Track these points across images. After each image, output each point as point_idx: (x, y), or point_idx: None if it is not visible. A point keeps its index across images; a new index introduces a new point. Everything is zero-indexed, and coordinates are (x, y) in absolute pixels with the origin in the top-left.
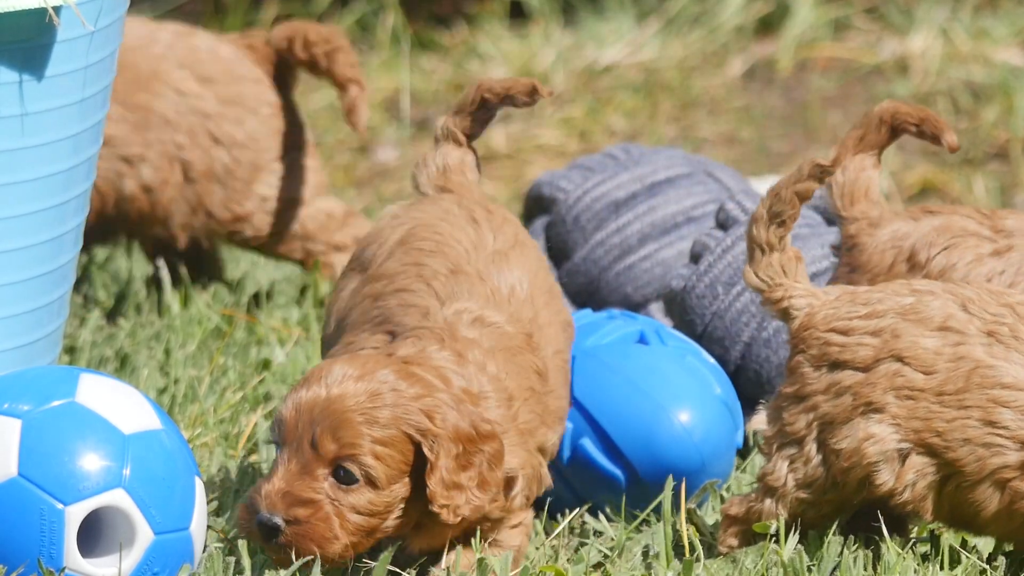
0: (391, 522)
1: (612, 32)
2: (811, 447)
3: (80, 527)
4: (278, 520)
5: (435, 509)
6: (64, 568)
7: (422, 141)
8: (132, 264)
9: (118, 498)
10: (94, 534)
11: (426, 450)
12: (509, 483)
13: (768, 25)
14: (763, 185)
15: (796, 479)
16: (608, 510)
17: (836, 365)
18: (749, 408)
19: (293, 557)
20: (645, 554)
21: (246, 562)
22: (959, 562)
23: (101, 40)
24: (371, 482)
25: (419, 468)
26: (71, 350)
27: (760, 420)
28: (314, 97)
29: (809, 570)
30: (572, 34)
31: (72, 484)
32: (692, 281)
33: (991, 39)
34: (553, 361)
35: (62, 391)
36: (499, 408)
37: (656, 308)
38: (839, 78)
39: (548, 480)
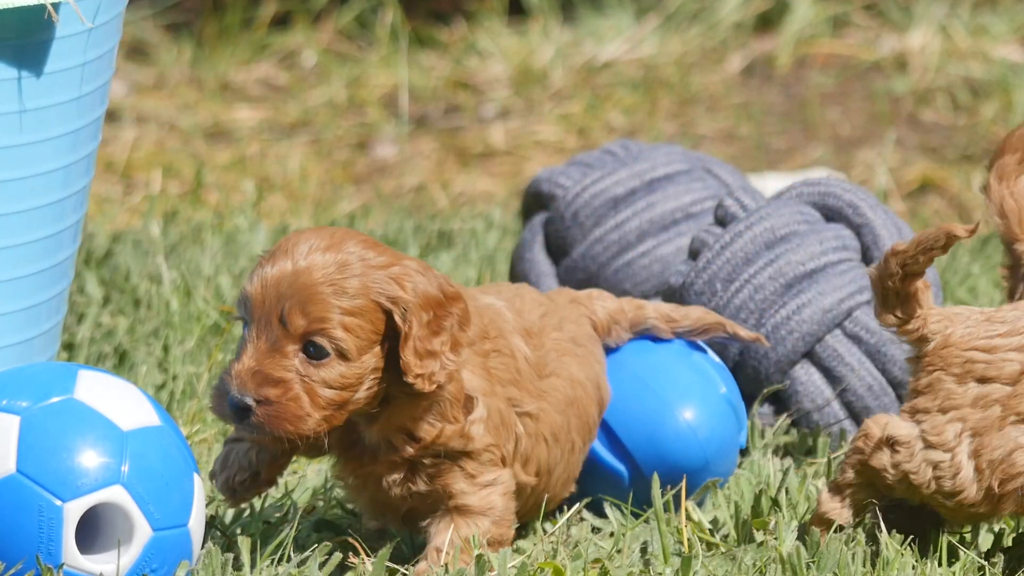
0: (362, 394)
1: (611, 28)
2: (961, 457)
3: (79, 524)
4: (249, 400)
5: (410, 380)
6: (63, 565)
7: (420, 138)
8: (130, 260)
9: (116, 495)
10: (93, 531)
11: (398, 319)
12: (468, 403)
13: (767, 21)
14: (762, 181)
15: (939, 484)
16: (606, 507)
17: (983, 380)
18: (749, 406)
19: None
20: (644, 551)
21: (245, 558)
22: (957, 558)
23: (99, 37)
24: (342, 355)
25: (389, 337)
26: (69, 346)
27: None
28: (313, 94)
29: (808, 567)
30: (571, 30)
31: (71, 481)
32: (691, 277)
33: (990, 35)
34: (557, 367)
35: (61, 387)
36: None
37: None
38: (838, 74)
39: (525, 443)
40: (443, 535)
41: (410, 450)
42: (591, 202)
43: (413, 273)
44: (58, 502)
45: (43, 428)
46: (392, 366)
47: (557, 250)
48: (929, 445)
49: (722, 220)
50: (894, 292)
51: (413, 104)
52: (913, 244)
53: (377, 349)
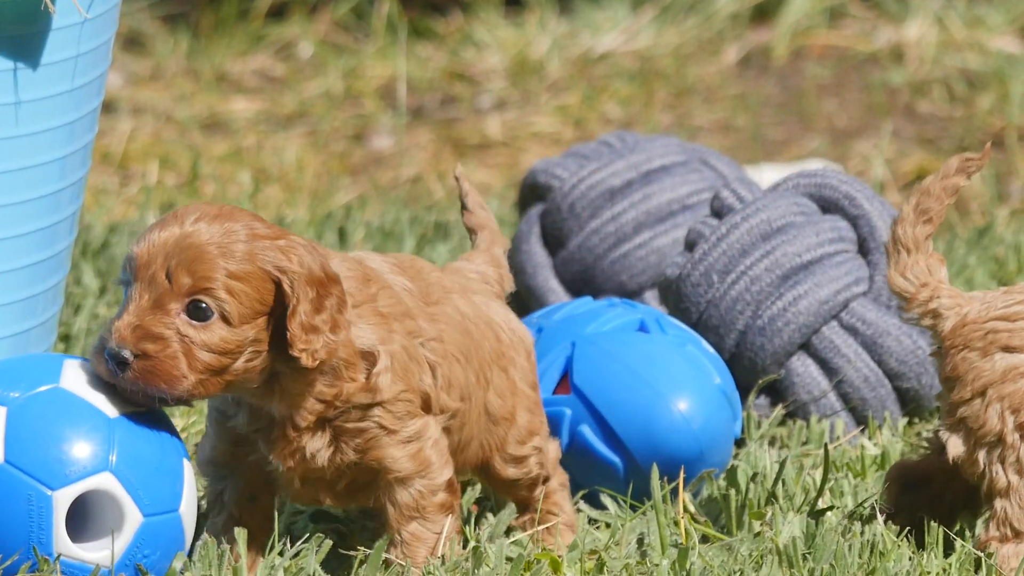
0: (241, 364)
1: (607, 20)
2: (1014, 436)
3: (69, 512)
4: (127, 354)
5: (295, 353)
6: (59, 554)
7: (417, 129)
8: (126, 251)
9: (106, 481)
10: (84, 519)
11: (287, 287)
12: (368, 359)
13: (763, 13)
14: (758, 173)
15: (1018, 474)
16: (602, 499)
17: (1008, 349)
18: (745, 397)
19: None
20: (640, 542)
21: (242, 550)
22: (954, 550)
23: (95, 28)
24: (224, 318)
25: (272, 312)
26: (66, 338)
27: (955, 445)
28: (309, 85)
29: (805, 558)
30: (567, 22)
31: (59, 469)
32: (687, 269)
33: (986, 27)
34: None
35: (46, 377)
36: (351, 283)
37: (651, 296)
38: (834, 66)
39: (442, 368)
40: (393, 519)
41: (319, 406)
42: (587, 193)
43: (300, 248)
44: (48, 491)
45: (30, 417)
46: (276, 343)
47: (554, 241)
48: (980, 442)
49: (718, 212)
50: (911, 243)
51: (410, 95)
52: (930, 178)
53: (261, 321)
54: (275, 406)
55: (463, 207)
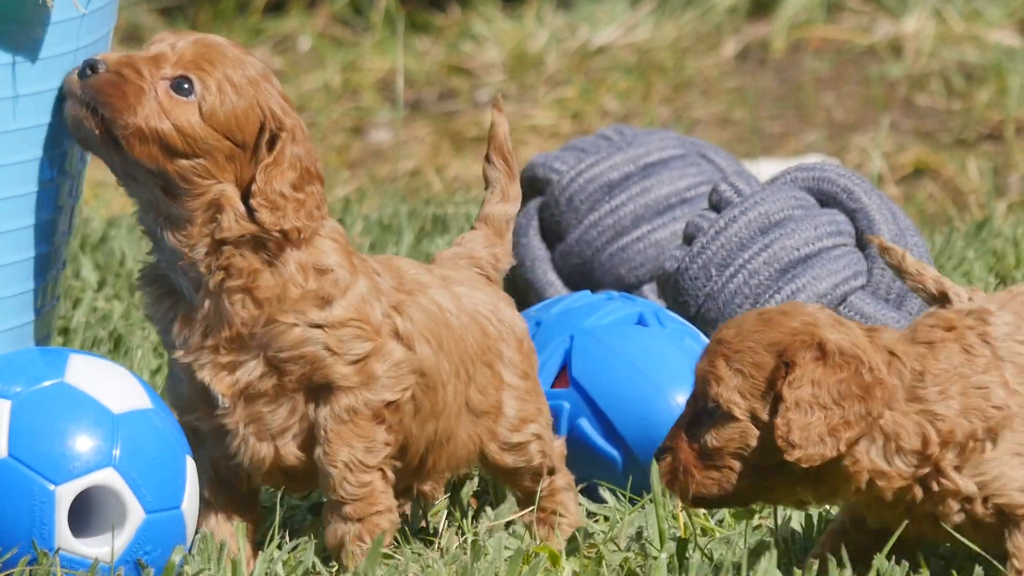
0: (187, 164)
1: (605, 13)
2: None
3: (71, 507)
4: (101, 66)
5: (254, 203)
6: (59, 549)
7: (416, 122)
8: (125, 245)
9: (109, 477)
10: (86, 514)
11: (267, 133)
12: (325, 273)
13: (761, 6)
14: (756, 166)
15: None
16: (601, 492)
17: None
18: None
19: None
20: (639, 535)
21: (241, 544)
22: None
23: (94, 22)
24: (201, 107)
25: (248, 163)
26: (65, 331)
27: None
28: (308, 79)
29: (805, 550)
30: (565, 15)
31: (62, 464)
32: (685, 263)
33: (984, 20)
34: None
35: (51, 372)
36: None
37: (650, 290)
38: (832, 59)
39: (405, 324)
40: (322, 418)
41: (253, 311)
42: (586, 187)
43: (302, 129)
44: (50, 486)
45: (34, 412)
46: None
47: (552, 235)
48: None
49: (717, 205)
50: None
51: (408, 89)
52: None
53: (229, 146)
54: (207, 291)
55: (487, 155)
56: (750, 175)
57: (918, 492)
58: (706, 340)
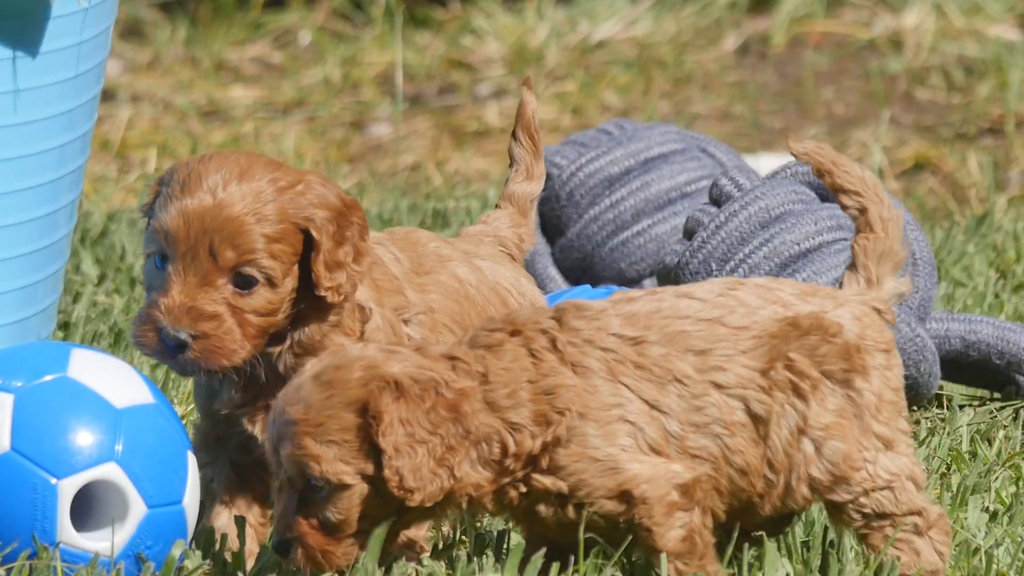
0: (281, 316)
1: (606, 7)
2: None
3: (73, 501)
4: (184, 336)
5: (322, 292)
6: (59, 543)
7: (416, 117)
8: (125, 239)
9: (111, 472)
10: (88, 508)
11: (315, 234)
12: (362, 314)
13: (761, 1)
14: (756, 161)
15: None
16: None
17: None
18: None
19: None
20: None
21: (241, 538)
22: (953, 538)
23: (95, 16)
24: (270, 281)
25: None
26: (65, 326)
27: None
28: (308, 73)
29: (804, 546)
30: (565, 9)
31: (65, 458)
32: (686, 257)
33: (984, 14)
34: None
35: (54, 366)
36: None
37: (650, 284)
38: (832, 54)
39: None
40: None
41: (303, 361)
42: (586, 181)
43: (317, 186)
44: (53, 480)
45: (37, 406)
46: (302, 283)
47: (553, 229)
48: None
49: (717, 200)
50: None
51: (408, 83)
52: None
53: (295, 269)
54: (279, 358)
55: (513, 132)
56: (750, 170)
57: (514, 493)
58: None
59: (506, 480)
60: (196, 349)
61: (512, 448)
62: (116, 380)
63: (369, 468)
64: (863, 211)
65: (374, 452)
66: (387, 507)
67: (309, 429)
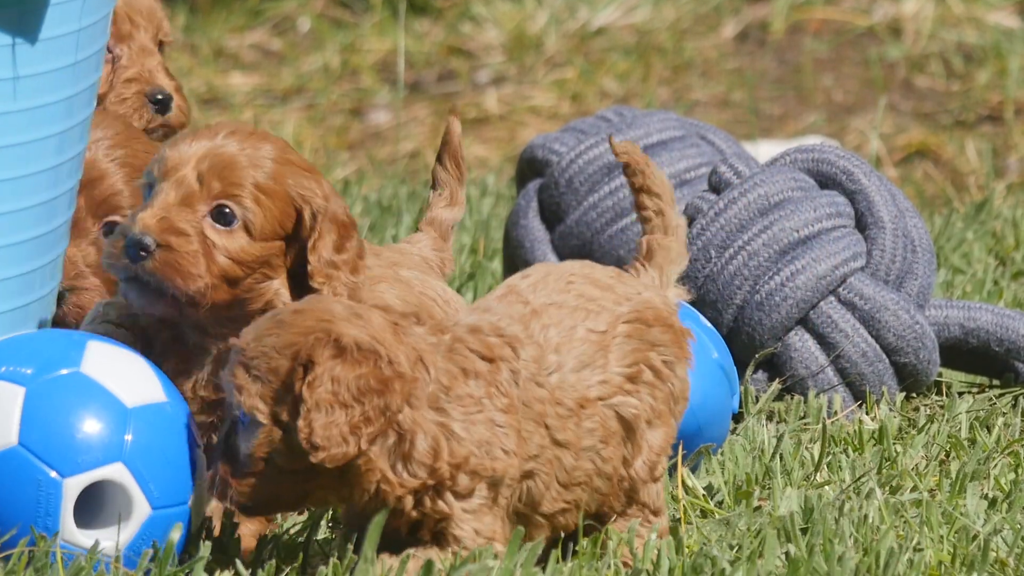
0: (252, 281)
1: None
2: None
3: (78, 498)
4: (148, 241)
5: (315, 284)
6: (57, 533)
7: (415, 104)
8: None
9: (117, 472)
10: (92, 506)
11: (307, 217)
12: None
13: None
14: (755, 148)
15: None
16: None
17: None
18: (743, 372)
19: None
20: None
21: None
22: (952, 524)
23: (94, 4)
24: (247, 228)
25: (292, 241)
26: None
27: None
28: (307, 60)
29: (804, 532)
30: None
31: (71, 456)
32: None
33: (984, 2)
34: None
35: (69, 360)
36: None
37: None
38: (832, 41)
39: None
40: None
41: None
42: (585, 168)
43: (327, 186)
44: (58, 477)
45: (48, 401)
46: (292, 282)
47: (552, 216)
48: None
49: (716, 186)
50: None
51: (407, 70)
52: None
53: (278, 245)
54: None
55: (439, 157)
56: (749, 157)
57: (409, 506)
58: (705, 322)
59: (427, 484)
60: (157, 259)
61: (446, 456)
62: (129, 376)
63: (283, 414)
64: (661, 213)
65: (293, 401)
66: (294, 461)
67: (244, 360)
